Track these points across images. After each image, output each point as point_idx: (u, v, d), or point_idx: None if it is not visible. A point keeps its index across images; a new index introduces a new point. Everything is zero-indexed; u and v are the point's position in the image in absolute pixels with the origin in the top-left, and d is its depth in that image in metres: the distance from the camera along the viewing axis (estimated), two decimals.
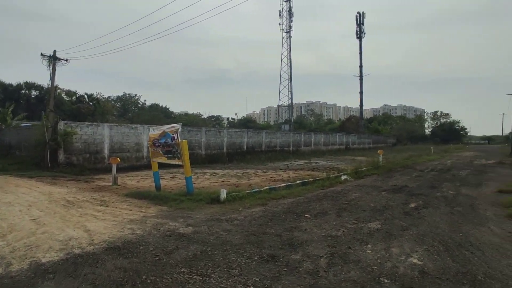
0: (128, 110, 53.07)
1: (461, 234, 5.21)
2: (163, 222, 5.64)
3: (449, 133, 77.86)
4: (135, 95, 55.68)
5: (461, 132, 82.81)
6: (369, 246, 4.51)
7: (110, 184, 10.81)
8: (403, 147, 52.59)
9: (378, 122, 77.75)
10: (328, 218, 6.13)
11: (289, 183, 10.42)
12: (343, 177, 12.54)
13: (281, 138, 30.67)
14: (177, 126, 8.38)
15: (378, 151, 18.57)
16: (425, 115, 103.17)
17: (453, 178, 13.00)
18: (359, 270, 3.64)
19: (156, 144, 9.04)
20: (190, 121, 47.16)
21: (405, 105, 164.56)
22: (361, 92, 58.15)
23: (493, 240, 4.98)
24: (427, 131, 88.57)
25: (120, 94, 55.76)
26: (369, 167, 16.05)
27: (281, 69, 68.04)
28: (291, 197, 8.32)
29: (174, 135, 8.32)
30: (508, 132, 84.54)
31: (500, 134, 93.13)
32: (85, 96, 44.53)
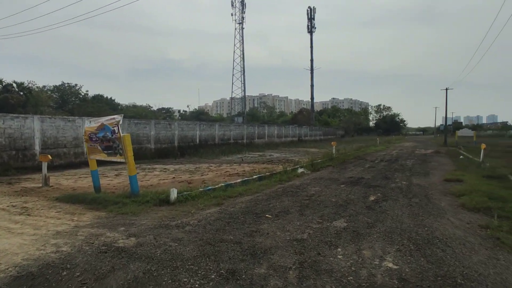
0: (67, 101, 48.08)
1: (426, 229, 5.04)
2: (99, 233, 4.67)
3: (391, 125, 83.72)
4: (76, 84, 50.48)
5: (401, 124, 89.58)
6: (339, 250, 4.06)
7: (40, 185, 9.27)
8: (351, 139, 55.24)
9: (328, 114, 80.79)
10: (291, 217, 5.63)
11: (246, 179, 9.82)
12: (300, 170, 12.29)
13: (234, 130, 29.99)
14: (118, 117, 7.25)
15: (332, 143, 18.83)
16: (370, 108, 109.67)
17: (402, 168, 13.47)
18: (335, 284, 3.14)
19: (93, 139, 7.81)
20: (138, 113, 44.26)
21: (351, 99, 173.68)
22: (312, 86, 59.62)
23: (457, 233, 4.86)
24: (371, 123, 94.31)
25: (58, 83, 50.36)
26: (324, 159, 16.12)
27: (233, 61, 67.11)
28: (248, 194, 7.72)
29: (115, 128, 7.19)
30: (439, 124, 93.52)
31: (433, 126, 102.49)
32: (14, 84, 39.23)
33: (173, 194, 6.89)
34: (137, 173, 10.48)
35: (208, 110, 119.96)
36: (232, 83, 67.68)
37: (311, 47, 59.53)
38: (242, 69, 66.84)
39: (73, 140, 16.24)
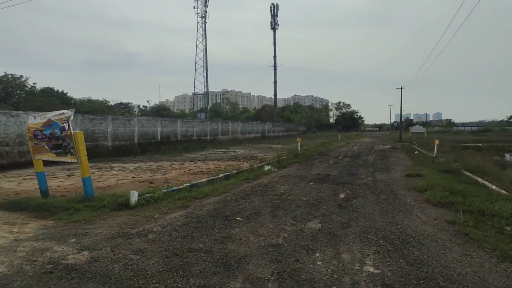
0: (11, 94, 43.58)
1: (398, 227, 5.01)
2: (45, 247, 4.02)
3: (350, 121, 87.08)
4: (21, 76, 45.91)
5: (359, 121, 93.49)
6: (317, 255, 3.84)
7: None
8: (313, 135, 56.55)
9: (290, 111, 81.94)
10: (263, 219, 5.34)
11: (212, 177, 9.39)
12: (267, 168, 12.09)
13: (198, 127, 29.15)
14: (68, 112, 6.44)
15: (297, 139, 18.90)
16: (330, 105, 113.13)
17: (365, 164, 13.81)
18: None
19: (38, 137, 6.90)
20: (94, 108, 41.29)
21: (312, 96, 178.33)
22: (275, 82, 59.96)
23: (427, 230, 4.89)
24: (332, 120, 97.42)
25: (0, 74, 45.46)
26: (289, 155, 16.10)
27: (196, 55, 65.52)
28: (216, 195, 7.31)
29: (64, 124, 6.38)
30: (393, 121, 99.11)
31: (388, 122, 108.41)
32: None
33: (134, 197, 6.30)
34: (93, 173, 9.61)
35: (169, 105, 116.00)
36: (195, 78, 66.10)
37: (274, 44, 59.80)
38: (204, 64, 65.48)
39: (17, 137, 14.60)
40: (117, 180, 9.78)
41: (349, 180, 9.56)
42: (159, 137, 23.65)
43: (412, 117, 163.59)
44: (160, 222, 5.17)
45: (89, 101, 52.30)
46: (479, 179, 9.34)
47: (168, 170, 12.10)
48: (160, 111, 60.27)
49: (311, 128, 72.31)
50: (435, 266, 3.57)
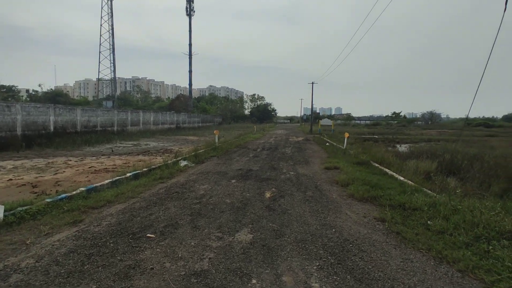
0: None
1: (333, 230, 4.62)
2: None
3: (264, 113, 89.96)
4: None
5: (272, 113, 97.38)
6: (254, 282, 3.06)
7: None
8: (228, 126, 56.35)
9: (206, 101, 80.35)
10: (182, 233, 4.32)
11: (117, 178, 7.81)
12: (183, 163, 10.91)
13: (102, 116, 25.60)
14: None
15: (214, 131, 17.97)
16: (245, 97, 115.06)
17: (284, 157, 13.77)
18: None
19: None
20: None
21: (228, 87, 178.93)
22: (190, 71, 57.51)
23: (361, 231, 4.61)
24: (246, 112, 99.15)
25: None
26: (207, 148, 15.13)
27: (100, 35, 58.37)
28: (121, 202, 5.92)
29: None
30: (302, 114, 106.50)
31: (298, 115, 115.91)
32: None
33: None
34: None
35: (68, 91, 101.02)
36: (99, 62, 58.75)
37: (190, 31, 57.05)
38: (111, 46, 58.65)
39: None
40: None
41: (272, 175, 9.14)
42: (51, 128, 19.85)
43: (318, 111, 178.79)
44: (34, 250, 3.68)
45: None
46: (387, 170, 9.97)
47: (62, 169, 9.87)
48: (56, 97, 51.54)
49: (226, 119, 72.13)
50: (384, 280, 3.16)
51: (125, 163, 11.51)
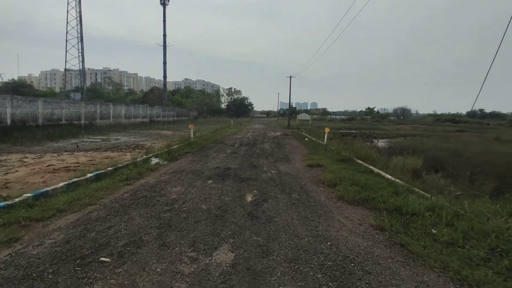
0: None
1: (329, 244, 3.93)
2: None
3: (240, 107, 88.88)
4: None
5: (249, 107, 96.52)
6: None
7: None
8: (205, 120, 54.94)
9: (181, 95, 78.16)
10: (146, 254, 3.46)
11: (75, 180, 6.75)
12: (155, 161, 9.92)
13: (68, 108, 23.71)
14: None
15: (190, 126, 16.93)
16: (222, 90, 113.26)
17: (264, 153, 13.05)
18: None
19: None
20: None
21: (204, 81, 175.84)
22: (164, 63, 55.41)
23: (360, 244, 3.97)
24: (223, 105, 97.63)
25: None
26: (182, 144, 14.14)
27: (67, 23, 54.67)
28: (74, 211, 4.92)
29: None
30: (279, 108, 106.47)
31: (274, 109, 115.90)
32: None
33: None
34: None
35: (33, 82, 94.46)
36: (66, 51, 55.01)
37: (164, 20, 54.79)
38: (79, 35, 55.06)
39: None
40: None
41: (253, 174, 8.38)
42: (8, 121, 18.02)
43: (294, 105, 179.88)
44: None
45: None
46: (373, 168, 9.50)
47: (15, 167, 8.63)
48: (19, 88, 47.71)
49: (202, 113, 70.42)
50: None
51: (90, 160, 10.37)
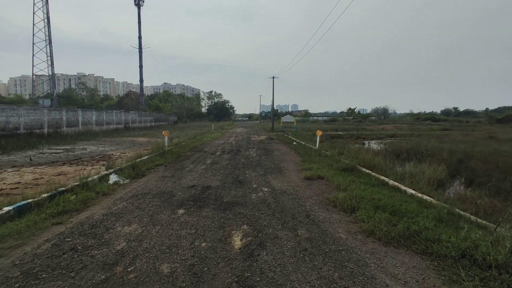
0: None
1: None
2: None
3: (222, 111, 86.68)
4: None
5: (231, 111, 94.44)
6: None
7: None
8: (184, 125, 52.39)
9: (160, 99, 75.22)
10: None
11: None
12: (113, 179, 7.77)
13: (27, 116, 20.95)
14: None
15: (163, 132, 14.73)
16: (202, 94, 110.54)
17: (250, 162, 11.10)
18: None
19: None
20: None
21: (183, 85, 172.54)
22: (140, 66, 52.64)
23: None
24: (204, 109, 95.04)
25: None
26: (153, 153, 12.00)
27: (33, 25, 50.79)
28: None
29: None
30: (261, 111, 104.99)
31: (256, 112, 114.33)
32: None
33: None
34: None
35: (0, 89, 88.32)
36: (33, 54, 51.02)
37: (139, 22, 52.07)
38: (47, 37, 51.21)
39: None
40: None
41: (239, 195, 6.40)
42: None
43: (276, 108, 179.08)
44: None
45: None
46: (385, 179, 7.75)
47: None
48: None
49: (182, 118, 67.62)
50: None
51: (36, 179, 8.13)
